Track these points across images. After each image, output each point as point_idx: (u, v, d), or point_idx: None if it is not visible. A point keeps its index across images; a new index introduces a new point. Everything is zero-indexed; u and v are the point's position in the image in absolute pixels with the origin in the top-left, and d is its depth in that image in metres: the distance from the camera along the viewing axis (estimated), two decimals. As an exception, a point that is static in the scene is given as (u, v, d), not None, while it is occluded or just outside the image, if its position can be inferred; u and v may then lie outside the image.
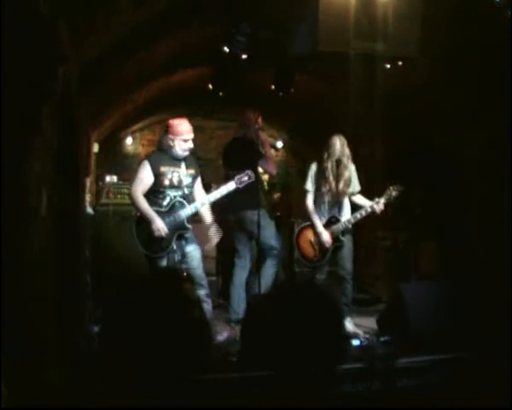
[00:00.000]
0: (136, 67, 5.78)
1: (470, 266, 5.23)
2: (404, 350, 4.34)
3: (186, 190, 4.85)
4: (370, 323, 5.45)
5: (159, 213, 4.70)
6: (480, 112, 5.10)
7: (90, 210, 6.33)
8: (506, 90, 4.45)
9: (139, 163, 4.97)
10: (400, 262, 6.69)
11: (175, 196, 4.79)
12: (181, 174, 4.83)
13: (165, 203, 4.76)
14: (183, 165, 4.86)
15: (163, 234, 4.64)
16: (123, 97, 6.74)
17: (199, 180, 5.05)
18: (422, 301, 4.62)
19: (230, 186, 4.88)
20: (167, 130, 4.84)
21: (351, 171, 5.31)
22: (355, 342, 4.81)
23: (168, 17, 4.75)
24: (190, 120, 4.94)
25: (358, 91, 5.87)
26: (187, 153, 4.85)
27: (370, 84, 5.55)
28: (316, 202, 5.40)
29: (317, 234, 5.34)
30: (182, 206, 4.77)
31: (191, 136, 4.84)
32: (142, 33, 4.75)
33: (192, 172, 4.93)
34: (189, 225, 4.79)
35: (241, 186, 4.88)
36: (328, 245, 5.29)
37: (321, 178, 5.30)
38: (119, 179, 7.89)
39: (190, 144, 4.84)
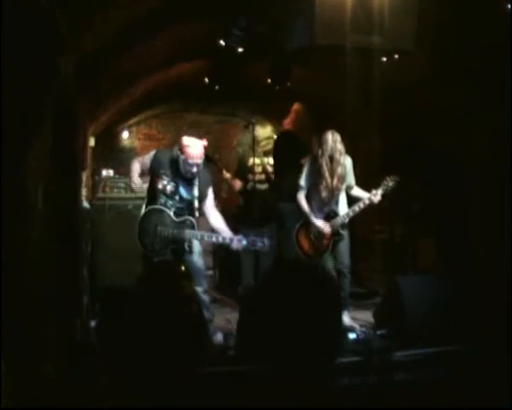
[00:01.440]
0: (132, 62, 5.76)
1: (468, 262, 5.24)
2: (401, 344, 4.35)
3: (179, 204, 4.74)
4: (367, 316, 5.47)
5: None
6: (479, 108, 5.10)
7: (86, 204, 6.31)
8: (506, 85, 4.45)
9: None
10: (397, 256, 6.71)
11: (171, 205, 4.71)
12: (181, 188, 4.75)
13: (162, 201, 4.73)
14: (188, 180, 4.75)
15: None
16: (119, 91, 6.72)
17: (210, 200, 4.89)
18: (419, 295, 4.63)
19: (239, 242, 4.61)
20: (179, 143, 4.73)
21: (344, 166, 5.30)
22: (352, 336, 4.82)
23: (165, 11, 4.74)
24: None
25: (356, 85, 5.87)
26: (189, 175, 4.70)
27: (368, 78, 5.54)
28: (312, 198, 5.40)
29: (315, 230, 5.34)
30: (191, 226, 4.65)
31: (197, 161, 4.64)
32: (139, 28, 4.73)
33: (195, 192, 4.77)
34: (187, 247, 4.67)
35: (251, 248, 4.72)
36: (327, 233, 5.28)
37: (316, 174, 5.30)
38: (115, 174, 7.86)
39: (194, 169, 4.66)
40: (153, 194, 4.79)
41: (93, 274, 5.78)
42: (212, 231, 4.76)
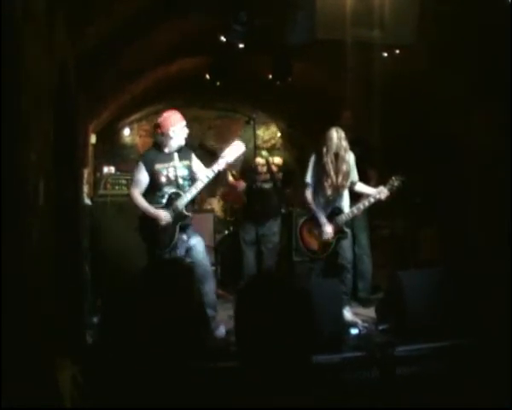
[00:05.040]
0: (133, 58, 5.76)
1: (469, 255, 5.23)
2: (403, 338, 4.35)
3: (183, 182, 4.85)
4: (369, 311, 5.46)
5: (158, 209, 4.77)
6: (480, 100, 5.08)
7: (87, 201, 6.32)
8: (506, 77, 4.44)
9: (137, 162, 5.04)
10: (399, 250, 6.69)
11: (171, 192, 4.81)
12: (176, 168, 4.84)
13: (164, 201, 4.80)
14: (176, 157, 4.86)
15: (169, 221, 4.69)
16: (120, 88, 6.72)
17: (196, 162, 4.99)
18: (421, 290, 4.62)
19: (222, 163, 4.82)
20: (159, 125, 4.87)
21: (348, 163, 5.28)
22: (354, 331, 4.82)
23: (166, 6, 4.73)
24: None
25: (357, 79, 5.85)
26: (172, 148, 4.85)
27: (369, 72, 5.53)
28: (317, 195, 5.38)
29: (319, 226, 5.32)
30: (178, 196, 4.78)
31: (177, 127, 4.82)
32: (139, 23, 4.73)
33: (187, 162, 4.91)
34: (189, 213, 4.80)
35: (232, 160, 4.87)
36: (329, 237, 5.26)
37: (321, 172, 5.27)
38: (116, 170, 7.87)
39: (171, 133, 4.81)
40: (149, 193, 4.85)
41: (95, 271, 5.78)
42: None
